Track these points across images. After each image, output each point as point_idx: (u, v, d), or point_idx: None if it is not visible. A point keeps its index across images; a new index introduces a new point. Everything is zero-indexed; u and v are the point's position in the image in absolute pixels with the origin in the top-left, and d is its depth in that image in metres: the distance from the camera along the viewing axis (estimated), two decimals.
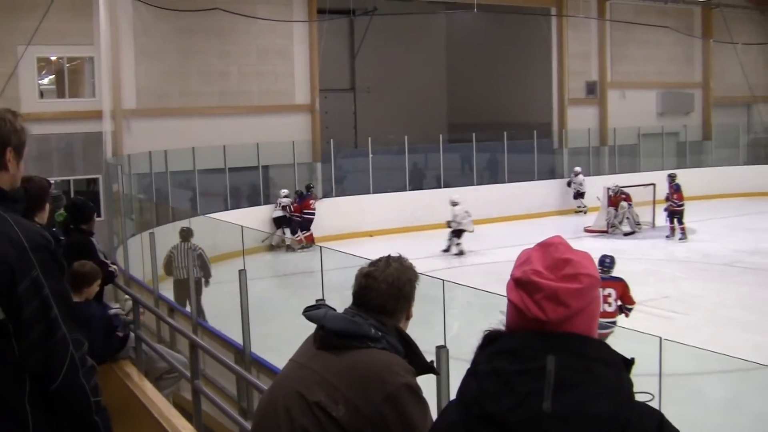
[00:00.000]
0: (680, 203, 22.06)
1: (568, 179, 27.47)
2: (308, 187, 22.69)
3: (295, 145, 23.41)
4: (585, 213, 25.94)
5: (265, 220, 21.66)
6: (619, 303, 10.92)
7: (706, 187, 28.95)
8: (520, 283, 1.91)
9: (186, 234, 14.24)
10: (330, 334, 2.77)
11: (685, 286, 16.93)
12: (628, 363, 1.93)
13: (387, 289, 2.86)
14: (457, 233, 21.03)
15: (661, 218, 23.13)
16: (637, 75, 31.17)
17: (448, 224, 21.10)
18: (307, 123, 24.64)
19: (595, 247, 20.54)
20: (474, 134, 26.08)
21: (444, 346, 5.21)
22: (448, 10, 30.84)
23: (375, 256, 2.99)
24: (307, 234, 21.83)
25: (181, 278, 13.49)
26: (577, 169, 27.20)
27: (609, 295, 10.78)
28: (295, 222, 22.06)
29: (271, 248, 21.80)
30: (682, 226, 22.07)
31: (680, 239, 21.92)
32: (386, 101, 30.95)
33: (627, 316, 10.92)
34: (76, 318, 2.70)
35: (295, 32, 24.30)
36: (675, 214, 22.14)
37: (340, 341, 2.75)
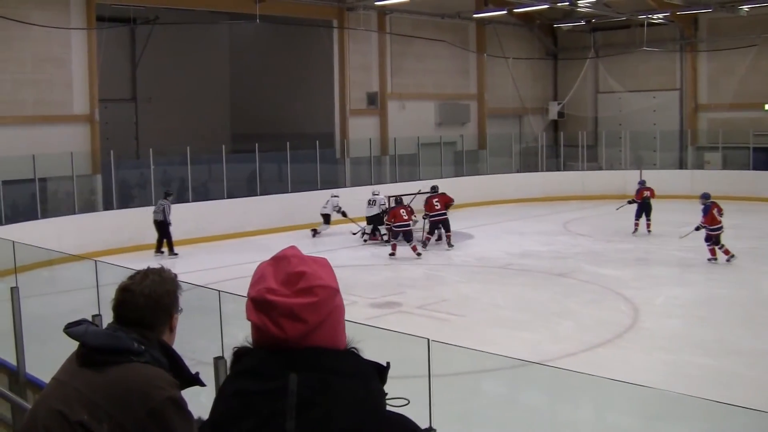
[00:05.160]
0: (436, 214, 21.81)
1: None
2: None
3: (73, 157, 22.37)
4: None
5: (40, 237, 20.59)
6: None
7: (481, 194, 30.33)
8: (255, 303, 1.87)
9: None
10: (91, 350, 2.73)
11: (463, 289, 17.33)
12: (383, 370, 1.91)
13: (144, 302, 2.83)
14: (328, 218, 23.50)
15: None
16: (415, 87, 32.10)
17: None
18: (86, 134, 23.63)
19: (375, 253, 21.21)
20: (257, 145, 26.04)
21: (222, 357, 5.29)
22: (231, 21, 30.75)
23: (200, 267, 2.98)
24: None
25: None
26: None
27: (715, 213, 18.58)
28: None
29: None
30: (448, 234, 21.92)
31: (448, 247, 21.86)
32: (169, 111, 30.30)
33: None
34: None
35: (72, 40, 23.21)
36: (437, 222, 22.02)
37: (101, 357, 2.70)
